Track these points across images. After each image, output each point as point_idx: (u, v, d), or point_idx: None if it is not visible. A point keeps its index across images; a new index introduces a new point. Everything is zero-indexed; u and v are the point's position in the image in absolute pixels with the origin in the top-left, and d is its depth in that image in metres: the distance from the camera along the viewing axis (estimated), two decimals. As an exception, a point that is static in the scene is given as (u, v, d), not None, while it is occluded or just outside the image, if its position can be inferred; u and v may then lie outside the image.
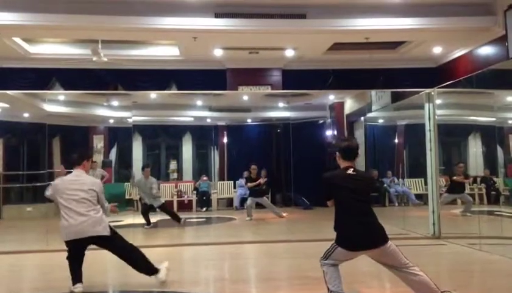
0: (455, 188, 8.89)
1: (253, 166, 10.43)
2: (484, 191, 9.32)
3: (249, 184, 10.40)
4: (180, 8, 8.90)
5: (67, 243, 4.50)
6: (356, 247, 3.51)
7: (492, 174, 9.14)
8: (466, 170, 9.39)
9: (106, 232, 4.51)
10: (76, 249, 4.53)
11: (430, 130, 7.76)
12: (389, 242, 3.48)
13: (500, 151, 8.58)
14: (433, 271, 4.47)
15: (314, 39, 9.91)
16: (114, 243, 4.58)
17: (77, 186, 4.55)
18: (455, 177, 8.88)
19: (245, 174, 12.56)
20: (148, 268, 4.56)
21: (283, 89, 11.85)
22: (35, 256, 6.56)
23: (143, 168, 9.53)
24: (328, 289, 3.54)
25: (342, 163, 3.69)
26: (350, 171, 3.61)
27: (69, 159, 4.81)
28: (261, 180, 10.22)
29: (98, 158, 12.64)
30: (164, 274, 4.56)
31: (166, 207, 9.58)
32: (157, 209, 9.35)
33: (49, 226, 7.75)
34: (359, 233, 3.48)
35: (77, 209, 4.44)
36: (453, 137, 10.22)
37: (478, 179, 9.67)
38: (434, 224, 7.55)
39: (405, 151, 11.26)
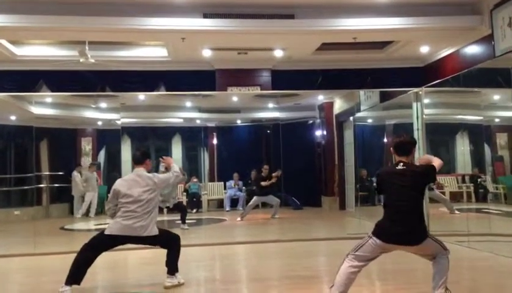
0: None
1: (265, 166, 10.83)
2: (472, 189, 9.40)
3: (263, 183, 10.52)
4: (168, 9, 8.85)
5: (110, 236, 4.43)
6: (389, 240, 3.49)
7: (481, 172, 9.23)
8: None
9: (155, 232, 4.55)
10: (111, 246, 4.52)
11: (418, 129, 7.82)
12: (427, 239, 3.51)
13: (487, 149, 8.67)
14: (421, 269, 4.50)
15: (303, 39, 9.93)
16: (161, 239, 4.63)
17: (138, 186, 4.54)
18: None
19: (235, 176, 12.59)
20: (175, 264, 4.67)
21: (273, 89, 11.83)
22: (22, 260, 6.46)
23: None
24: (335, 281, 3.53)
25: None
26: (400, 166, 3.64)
27: (132, 157, 4.82)
28: (275, 177, 10.51)
29: (86, 160, 12.55)
30: (172, 283, 4.60)
31: (182, 205, 9.61)
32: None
33: (37, 229, 7.68)
34: (396, 228, 3.48)
35: (136, 210, 4.44)
36: (441, 135, 10.30)
37: (467, 178, 9.76)
38: (423, 222, 7.59)
39: (394, 150, 11.31)
